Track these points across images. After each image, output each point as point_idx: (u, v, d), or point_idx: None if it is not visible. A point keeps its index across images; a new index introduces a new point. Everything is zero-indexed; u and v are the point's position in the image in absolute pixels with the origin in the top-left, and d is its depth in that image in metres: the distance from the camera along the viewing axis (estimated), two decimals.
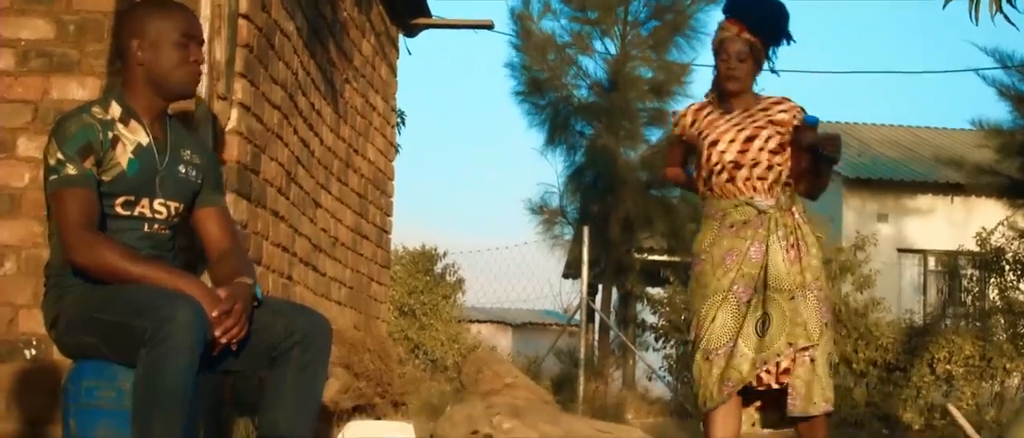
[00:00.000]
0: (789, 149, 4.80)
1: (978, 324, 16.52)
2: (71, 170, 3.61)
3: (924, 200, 21.38)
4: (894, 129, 25.94)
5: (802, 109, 4.88)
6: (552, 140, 20.15)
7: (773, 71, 4.95)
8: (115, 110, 3.76)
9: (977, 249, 17.12)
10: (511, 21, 20.18)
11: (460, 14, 14.09)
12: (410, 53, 10.87)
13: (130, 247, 3.66)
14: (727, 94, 4.88)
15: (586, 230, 14.68)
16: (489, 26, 11.07)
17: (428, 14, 10.41)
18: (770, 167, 4.77)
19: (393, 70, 10.10)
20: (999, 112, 25.80)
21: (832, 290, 5.26)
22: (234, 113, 5.87)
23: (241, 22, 5.89)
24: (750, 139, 4.78)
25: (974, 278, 18.66)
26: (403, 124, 16.60)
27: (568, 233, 20.44)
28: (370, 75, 9.16)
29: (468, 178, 67.94)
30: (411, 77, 37.90)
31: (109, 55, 5.64)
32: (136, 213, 3.76)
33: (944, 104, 61.49)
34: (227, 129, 5.81)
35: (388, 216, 10.00)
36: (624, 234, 19.73)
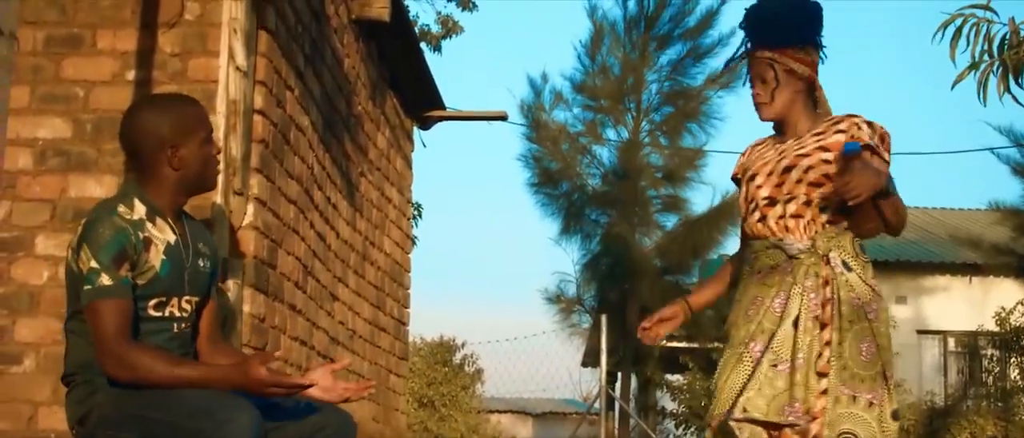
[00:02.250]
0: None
1: (1000, 404, 16.44)
2: (106, 280, 3.51)
3: (942, 281, 21.31)
4: (909, 210, 25.94)
5: (864, 122, 4.08)
6: (567, 229, 20.13)
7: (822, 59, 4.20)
8: (140, 209, 3.67)
9: (997, 329, 17.06)
10: (521, 114, 20.25)
11: (474, 105, 14.18)
12: (425, 145, 10.97)
13: (165, 351, 3.59)
14: (770, 122, 4.21)
15: (604, 318, 14.64)
16: (503, 117, 11.10)
17: (442, 106, 10.46)
18: (808, 202, 3.99)
19: (408, 162, 10.15)
20: (1013, 191, 25.71)
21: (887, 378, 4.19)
22: (250, 208, 5.86)
23: (256, 118, 5.91)
24: (788, 170, 4.05)
25: (995, 358, 18.57)
26: (419, 216, 16.69)
27: (586, 322, 20.39)
28: (385, 168, 9.20)
29: (485, 268, 67.93)
30: (426, 169, 38.04)
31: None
32: (167, 313, 3.69)
33: (958, 184, 61.43)
34: (243, 224, 5.81)
35: (405, 308, 10.00)
36: (642, 321, 19.65)
